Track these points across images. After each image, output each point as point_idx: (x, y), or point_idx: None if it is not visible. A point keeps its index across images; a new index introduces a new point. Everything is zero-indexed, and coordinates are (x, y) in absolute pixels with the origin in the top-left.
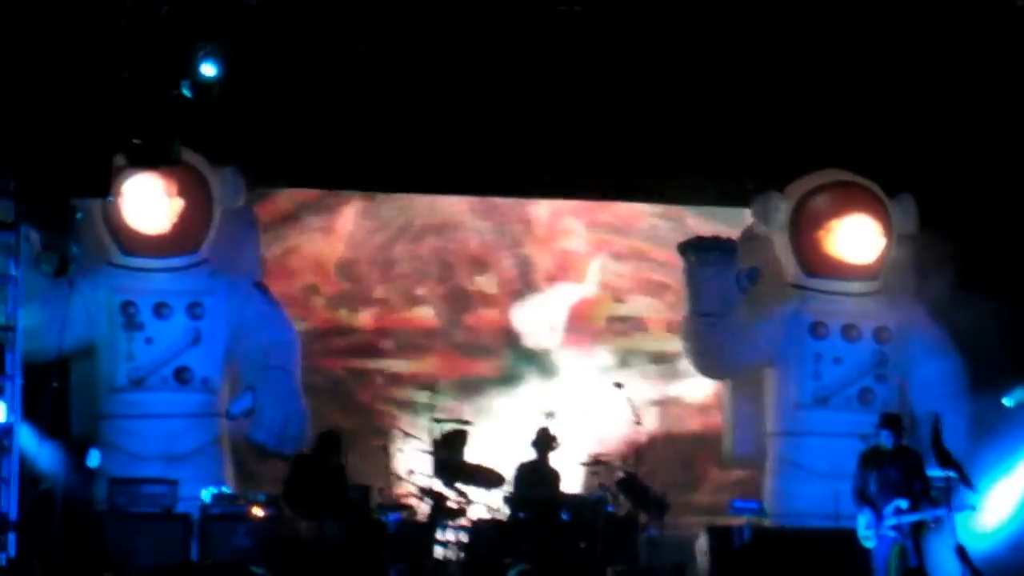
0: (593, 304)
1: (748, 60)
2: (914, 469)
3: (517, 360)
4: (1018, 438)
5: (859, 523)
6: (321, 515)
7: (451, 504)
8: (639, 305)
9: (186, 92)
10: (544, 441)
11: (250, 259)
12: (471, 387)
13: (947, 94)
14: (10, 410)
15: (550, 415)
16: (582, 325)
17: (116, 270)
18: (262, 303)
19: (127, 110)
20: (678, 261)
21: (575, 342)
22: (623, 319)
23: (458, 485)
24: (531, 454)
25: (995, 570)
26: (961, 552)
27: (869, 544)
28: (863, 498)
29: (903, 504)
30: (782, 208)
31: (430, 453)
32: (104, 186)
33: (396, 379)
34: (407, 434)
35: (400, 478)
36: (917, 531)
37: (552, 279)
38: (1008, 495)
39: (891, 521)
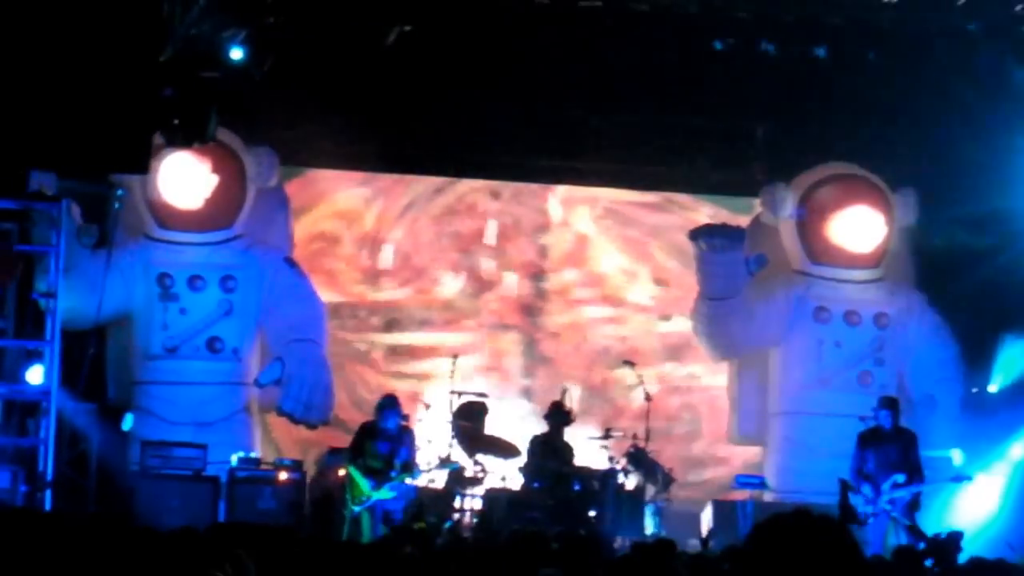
0: (605, 287)
1: (759, 60)
2: (910, 447)
3: (533, 337)
4: (1006, 425)
5: (857, 500)
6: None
7: (468, 473)
8: (648, 291)
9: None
10: (558, 415)
11: (281, 235)
12: (489, 362)
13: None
14: (48, 374)
15: (564, 390)
16: (595, 306)
17: (153, 243)
18: (291, 277)
19: (166, 91)
20: (688, 248)
21: (588, 323)
22: (634, 303)
23: (476, 455)
24: (545, 427)
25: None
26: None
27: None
28: (861, 475)
29: (900, 478)
30: (789, 198)
31: (451, 423)
32: (143, 163)
33: (418, 352)
34: (428, 406)
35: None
36: (911, 509)
37: (566, 262)
38: (990, 491)
39: (888, 496)
